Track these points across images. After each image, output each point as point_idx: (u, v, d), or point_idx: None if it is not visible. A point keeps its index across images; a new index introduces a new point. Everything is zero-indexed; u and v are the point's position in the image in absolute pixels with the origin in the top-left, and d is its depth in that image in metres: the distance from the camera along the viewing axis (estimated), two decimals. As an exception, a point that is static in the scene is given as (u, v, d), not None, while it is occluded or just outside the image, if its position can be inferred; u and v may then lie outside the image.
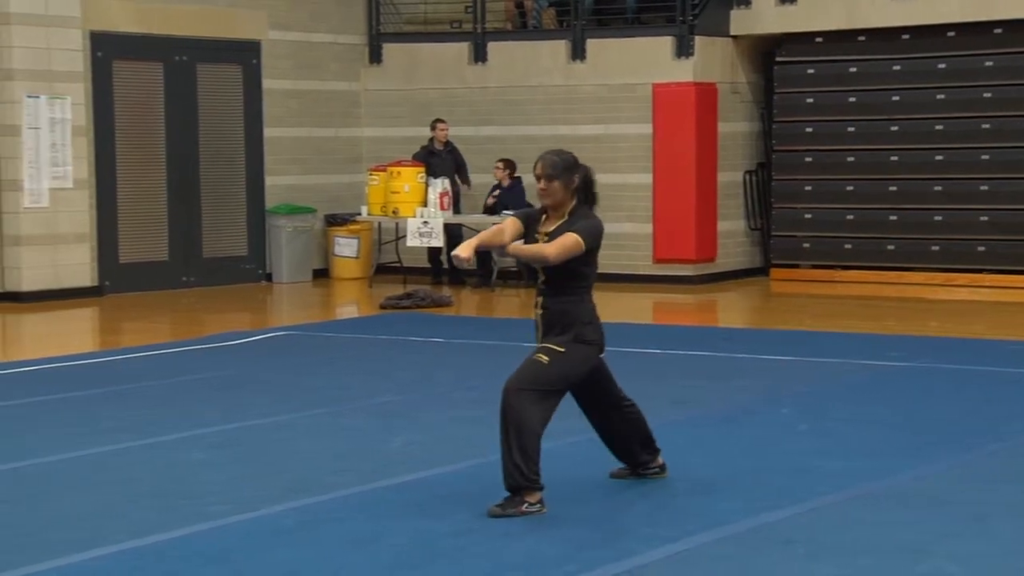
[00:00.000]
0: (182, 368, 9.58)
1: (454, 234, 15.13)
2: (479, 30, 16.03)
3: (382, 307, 13.20)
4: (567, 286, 5.76)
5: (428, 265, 15.44)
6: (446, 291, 14.43)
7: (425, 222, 14.54)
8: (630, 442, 6.07)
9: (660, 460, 6.16)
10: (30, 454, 6.76)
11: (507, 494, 5.58)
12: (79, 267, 13.87)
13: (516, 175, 14.97)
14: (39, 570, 4.89)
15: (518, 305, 13.86)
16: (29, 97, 13.38)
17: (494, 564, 4.97)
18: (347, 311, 14.04)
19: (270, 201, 15.62)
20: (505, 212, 14.71)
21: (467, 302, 14.01)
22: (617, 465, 6.17)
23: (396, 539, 5.26)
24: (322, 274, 15.92)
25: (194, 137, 15.01)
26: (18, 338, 12.21)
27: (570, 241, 5.64)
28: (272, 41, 15.59)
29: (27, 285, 13.40)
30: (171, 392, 8.60)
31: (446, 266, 15.33)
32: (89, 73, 13.98)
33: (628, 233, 15.13)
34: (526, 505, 5.54)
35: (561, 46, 15.58)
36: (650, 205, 15.11)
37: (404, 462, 6.55)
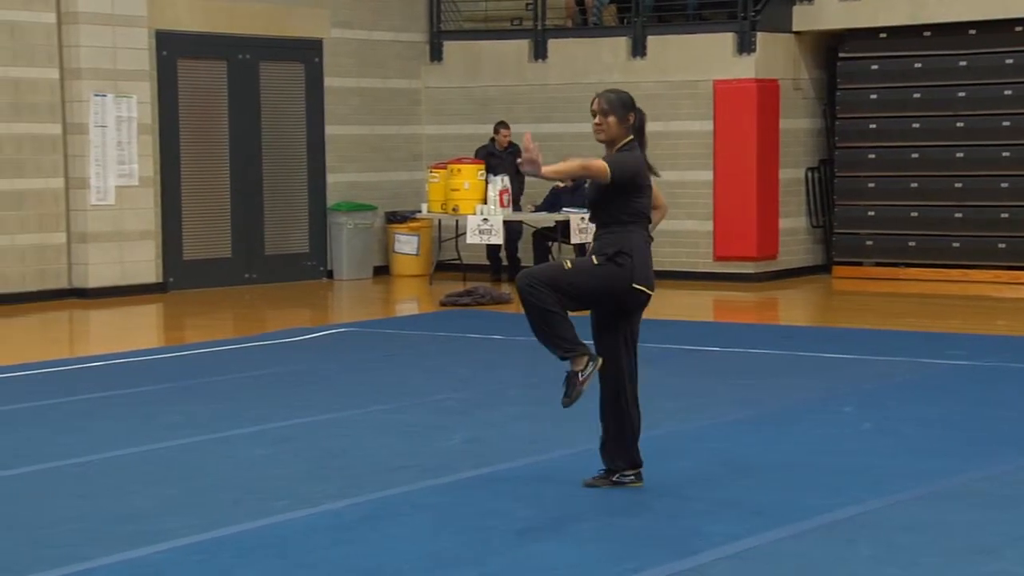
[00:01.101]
0: (244, 364, 9.66)
1: (514, 231, 15.14)
2: (539, 27, 16.02)
3: (442, 304, 13.24)
4: (611, 219, 5.80)
5: (488, 262, 15.46)
6: (506, 288, 14.43)
7: (485, 219, 14.55)
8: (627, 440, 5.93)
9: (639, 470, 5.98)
10: (97, 449, 6.85)
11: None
12: (144, 264, 14.04)
13: (577, 173, 14.92)
14: (106, 563, 4.95)
15: (578, 302, 13.83)
16: (96, 96, 13.55)
17: (554, 561, 4.96)
18: (407, 308, 14.09)
19: (331, 199, 15.72)
20: (565, 209, 14.70)
21: (527, 299, 13.99)
22: (593, 473, 6.01)
23: (455, 535, 5.27)
24: (382, 271, 15.99)
25: (257, 135, 15.13)
26: (85, 334, 12.38)
27: (595, 163, 5.71)
28: (334, 39, 15.68)
29: (93, 281, 13.58)
30: (234, 388, 8.67)
31: (506, 263, 15.34)
32: (154, 72, 14.14)
33: (688, 231, 15.07)
34: (580, 376, 5.70)
35: (621, 43, 15.54)
36: (711, 202, 15.03)
37: (464, 459, 6.56)
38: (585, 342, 5.84)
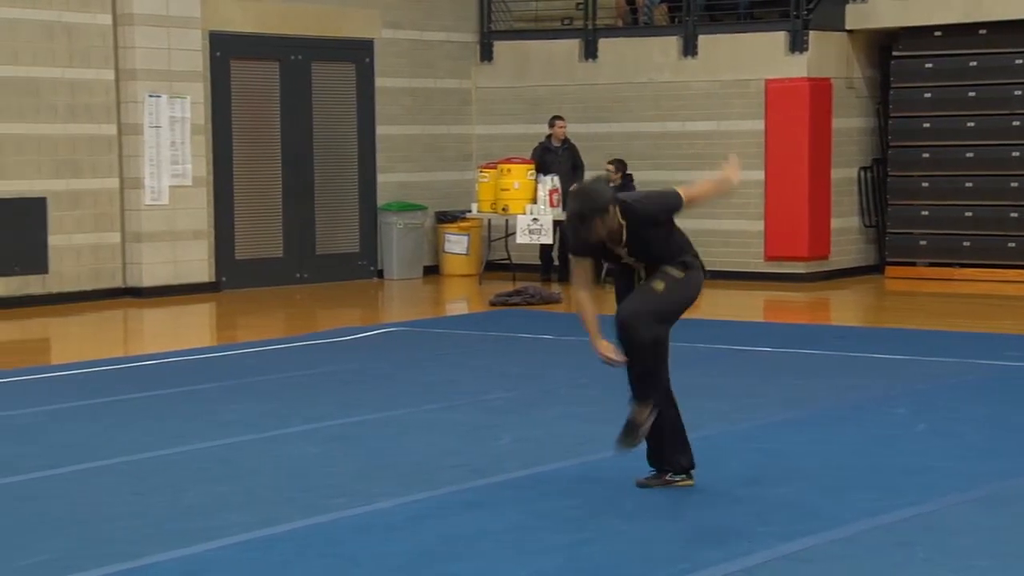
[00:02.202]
0: (296, 364, 9.72)
1: (564, 230, 15.13)
2: (590, 27, 16.01)
3: (492, 304, 13.26)
4: (662, 246, 5.86)
5: (538, 262, 15.46)
6: (555, 288, 14.42)
7: (535, 219, 14.56)
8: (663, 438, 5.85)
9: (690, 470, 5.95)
10: (151, 447, 6.92)
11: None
12: (197, 263, 14.16)
13: (627, 173, 14.93)
14: (161, 560, 5.00)
15: (628, 302, 13.80)
16: (150, 96, 13.69)
17: (604, 561, 4.96)
18: (457, 308, 14.12)
19: (382, 198, 15.79)
20: (615, 209, 14.65)
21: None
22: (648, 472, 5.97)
23: (506, 534, 5.28)
24: (432, 271, 16.03)
25: (308, 135, 15.22)
26: (139, 332, 12.51)
27: (682, 190, 5.95)
28: (385, 40, 15.74)
29: (148, 280, 13.72)
30: (286, 387, 8.73)
31: (556, 263, 15.34)
32: (208, 72, 14.26)
33: (739, 230, 15.00)
34: (642, 427, 5.72)
35: (672, 42, 15.49)
36: (762, 202, 14.95)
37: (513, 458, 6.57)
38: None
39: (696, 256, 5.90)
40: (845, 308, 13.87)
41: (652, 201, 5.86)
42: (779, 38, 14.90)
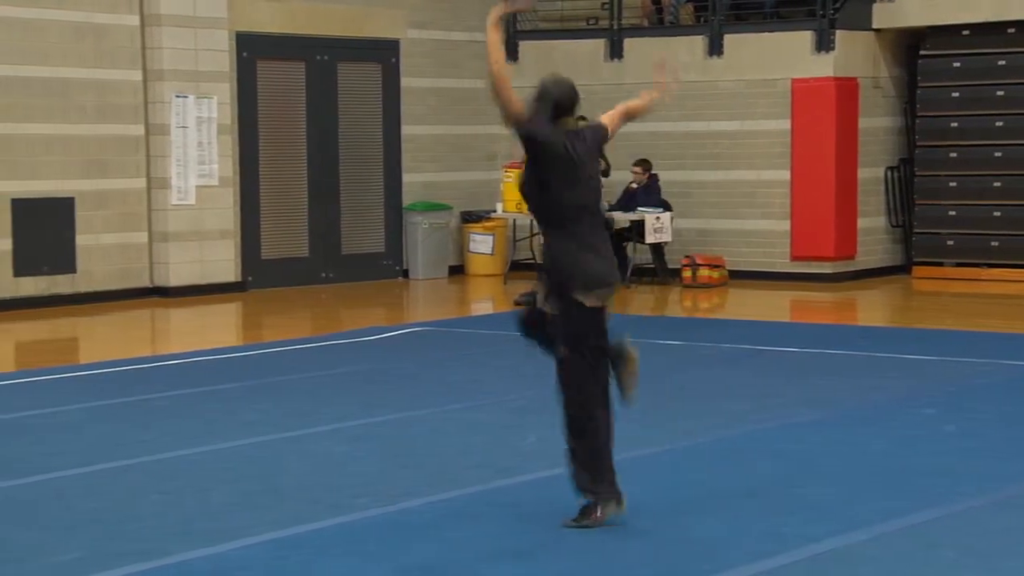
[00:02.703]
0: (321, 363, 9.73)
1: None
2: (615, 27, 15.98)
3: (516, 304, 13.23)
4: (539, 219, 5.35)
5: (563, 262, 15.42)
6: (581, 288, 14.40)
7: (560, 219, 14.51)
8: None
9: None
10: (177, 446, 6.94)
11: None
12: (223, 263, 14.20)
13: (653, 173, 14.91)
14: (186, 559, 5.01)
15: (653, 301, 13.79)
16: (177, 97, 13.74)
17: (630, 561, 4.94)
18: (482, 307, 14.12)
19: (407, 198, 15.80)
20: (640, 209, 14.65)
21: (602, 299, 13.94)
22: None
23: (530, 535, 5.26)
24: (458, 271, 16.04)
25: (334, 135, 15.25)
26: (166, 332, 12.55)
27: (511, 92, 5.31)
28: (411, 40, 15.75)
29: (175, 280, 13.77)
30: (311, 386, 8.74)
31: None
32: (234, 73, 14.30)
33: (764, 230, 14.94)
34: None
35: (698, 42, 15.44)
36: (787, 202, 14.88)
37: (538, 458, 6.55)
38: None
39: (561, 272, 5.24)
40: (872, 308, 13.80)
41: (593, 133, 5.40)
42: (805, 37, 14.84)
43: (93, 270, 13.34)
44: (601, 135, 5.48)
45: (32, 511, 5.74)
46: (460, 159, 16.29)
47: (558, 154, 5.22)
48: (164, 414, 7.82)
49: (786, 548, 5.05)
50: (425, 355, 10.11)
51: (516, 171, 15.04)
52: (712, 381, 8.84)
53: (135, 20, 13.56)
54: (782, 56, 14.90)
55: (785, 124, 14.86)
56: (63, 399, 8.29)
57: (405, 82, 15.73)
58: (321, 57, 15.08)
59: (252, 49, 14.48)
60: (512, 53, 16.55)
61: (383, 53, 15.59)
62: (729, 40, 15.27)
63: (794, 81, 14.77)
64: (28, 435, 7.29)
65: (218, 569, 4.90)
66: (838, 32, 14.73)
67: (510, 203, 15.04)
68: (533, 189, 5.26)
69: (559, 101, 5.36)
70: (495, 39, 5.28)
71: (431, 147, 16.06)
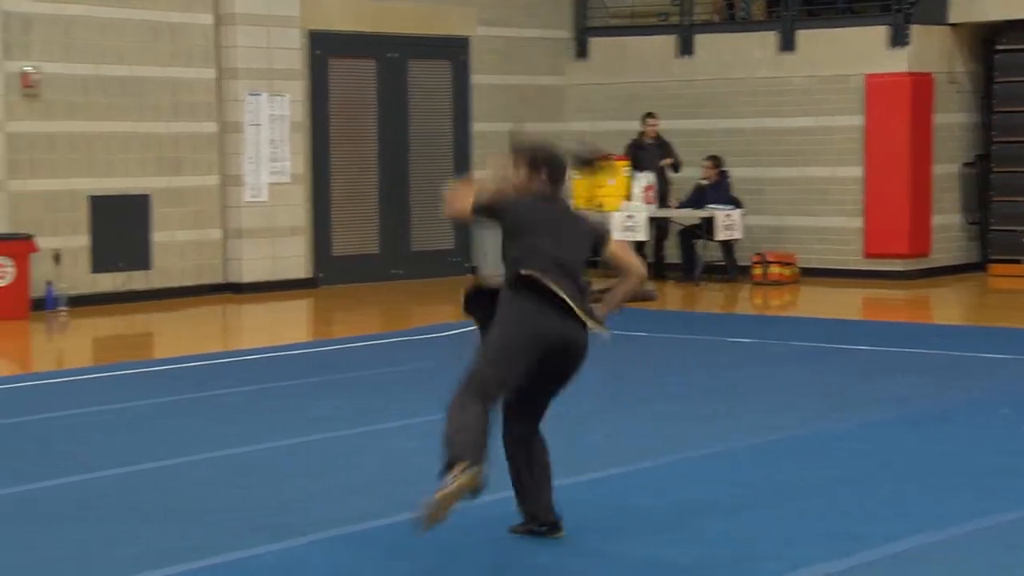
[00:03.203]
0: (392, 359, 9.76)
1: (659, 228, 15.03)
2: (686, 23, 15.87)
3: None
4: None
5: (633, 259, 15.33)
6: (650, 285, 14.28)
7: (630, 216, 14.46)
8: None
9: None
10: (248, 441, 6.98)
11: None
12: (295, 259, 14.30)
13: (723, 170, 14.79)
14: (257, 553, 5.03)
15: (722, 299, 13.67)
16: (251, 95, 13.85)
17: (702, 557, 4.89)
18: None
19: (477, 195, 15.77)
20: (710, 206, 14.53)
21: (671, 296, 13.88)
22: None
23: (595, 532, 5.23)
24: (527, 267, 15.98)
25: (404, 132, 15.29)
26: (238, 328, 12.66)
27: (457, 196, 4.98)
28: (480, 37, 15.76)
29: (247, 276, 13.88)
30: (382, 382, 8.76)
31: (651, 260, 15.22)
32: (307, 71, 14.39)
33: (837, 227, 14.75)
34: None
35: (770, 37, 15.29)
36: (860, 199, 14.69)
37: (605, 456, 6.52)
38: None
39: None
40: (946, 306, 13.58)
41: None
42: (879, 32, 14.63)
43: (168, 266, 13.49)
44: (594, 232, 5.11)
45: (103, 506, 5.79)
46: (530, 156, 16.23)
47: (520, 207, 5.00)
48: (236, 410, 7.88)
49: (859, 548, 4.96)
50: (494, 351, 10.08)
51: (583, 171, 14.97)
52: (783, 379, 8.74)
53: (210, 19, 13.69)
54: (856, 51, 14.71)
55: (859, 120, 14.66)
56: (137, 394, 8.38)
57: (475, 79, 15.74)
58: (392, 55, 15.13)
59: (324, 47, 14.56)
60: (582, 50, 16.49)
61: (453, 50, 15.60)
62: (802, 35, 15.09)
63: (868, 77, 14.57)
64: (102, 430, 7.38)
65: (286, 565, 4.91)
66: (913, 27, 14.51)
67: (580, 200, 14.97)
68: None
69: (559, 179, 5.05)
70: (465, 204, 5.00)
71: (500, 144, 15.98)
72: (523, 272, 4.83)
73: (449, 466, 4.69)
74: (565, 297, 4.84)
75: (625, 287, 5.08)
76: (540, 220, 4.96)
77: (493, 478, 4.85)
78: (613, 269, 5.05)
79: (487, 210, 4.98)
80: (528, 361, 4.88)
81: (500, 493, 5.17)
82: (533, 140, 5.20)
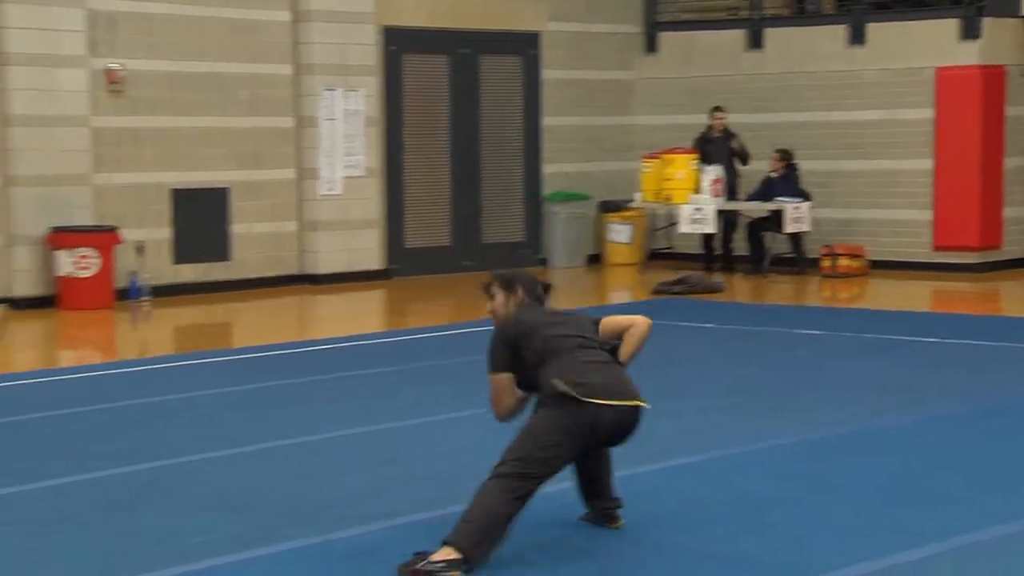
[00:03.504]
0: (463, 349, 9.81)
1: (728, 220, 14.96)
2: (756, 16, 15.76)
3: (655, 292, 13.19)
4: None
5: (700, 251, 15.31)
6: (718, 277, 14.28)
7: (698, 209, 14.42)
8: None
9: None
10: (323, 429, 7.06)
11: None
12: (369, 251, 14.43)
13: (792, 163, 14.68)
14: (330, 539, 5.10)
15: (790, 291, 13.58)
16: (326, 90, 13.99)
17: (763, 549, 4.89)
18: (620, 296, 14.08)
19: (547, 188, 15.83)
20: (779, 199, 14.44)
21: (739, 288, 13.82)
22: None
23: (671, 520, 5.24)
24: (596, 259, 16.02)
25: (475, 127, 15.36)
26: (315, 318, 12.80)
27: (491, 391, 5.07)
28: (551, 32, 15.77)
29: (323, 268, 14.03)
30: (455, 371, 8.83)
31: (718, 252, 15.18)
32: (381, 67, 14.50)
33: (906, 220, 14.59)
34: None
35: (840, 31, 15.14)
36: (930, 191, 14.52)
37: (676, 446, 6.52)
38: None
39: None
40: (1017, 299, 13.37)
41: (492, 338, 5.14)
42: (951, 25, 14.44)
43: (246, 258, 13.68)
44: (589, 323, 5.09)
45: (179, 492, 5.90)
46: (599, 149, 16.26)
47: (523, 324, 5.08)
48: (312, 398, 7.98)
49: (925, 541, 4.93)
50: (564, 342, 10.10)
51: (654, 162, 14.97)
52: (851, 371, 8.68)
53: (287, 16, 13.84)
54: (927, 44, 14.53)
55: (929, 113, 14.49)
56: (216, 382, 8.51)
57: (545, 74, 15.76)
58: (464, 50, 15.19)
59: (398, 43, 14.66)
60: (652, 45, 16.44)
61: (523, 46, 15.64)
62: (872, 29, 14.94)
63: (939, 70, 14.39)
64: (183, 417, 7.51)
65: (362, 550, 4.97)
66: (985, 19, 14.29)
67: (648, 193, 14.96)
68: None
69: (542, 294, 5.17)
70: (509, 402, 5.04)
71: (570, 138, 16.06)
72: (562, 390, 4.75)
73: (447, 544, 4.58)
74: (615, 403, 4.78)
75: (636, 336, 5.06)
76: (543, 316, 5.05)
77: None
78: (618, 336, 5.06)
79: (510, 348, 4.98)
80: (583, 447, 4.85)
81: (566, 483, 5.20)
82: (498, 272, 5.31)
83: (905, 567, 4.69)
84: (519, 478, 4.67)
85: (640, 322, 5.09)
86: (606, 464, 5.17)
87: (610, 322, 5.08)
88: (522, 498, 4.69)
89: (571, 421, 4.74)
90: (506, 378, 5.01)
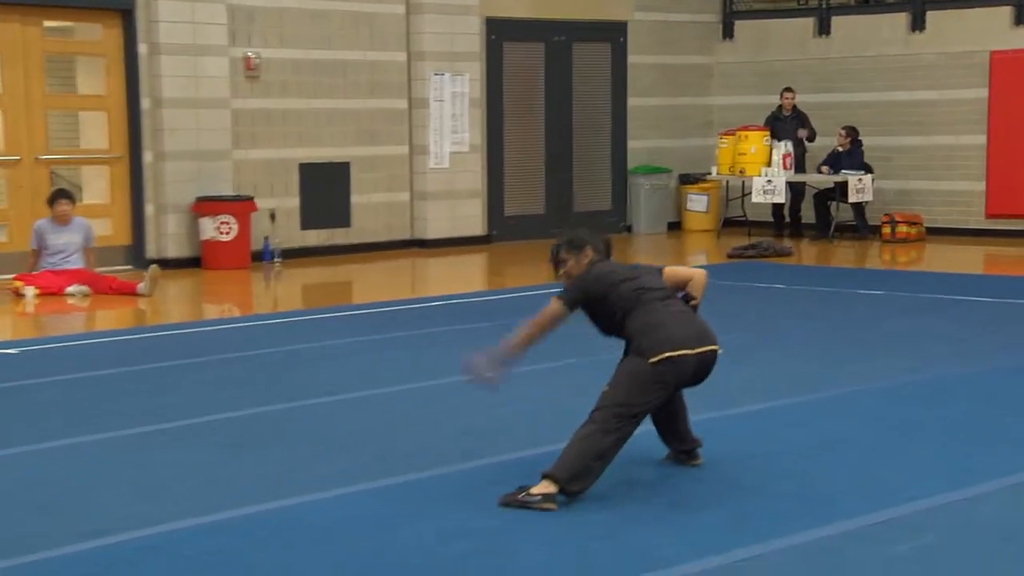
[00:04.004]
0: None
1: (796, 191, 14.73)
2: (824, 5, 15.41)
3: (729, 256, 13.03)
4: (622, 336, 4.79)
5: (771, 219, 15.08)
6: (787, 242, 14.06)
7: (769, 180, 14.20)
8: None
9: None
10: (436, 375, 7.06)
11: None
12: (472, 219, 14.44)
13: (857, 139, 14.38)
14: (435, 474, 5.11)
15: (854, 255, 13.32)
16: (435, 75, 13.99)
17: (836, 488, 4.80)
18: (698, 259, 13.92)
19: (632, 162, 15.70)
20: (844, 171, 14.15)
21: (807, 252, 13.59)
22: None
23: (746, 463, 5.18)
24: (675, 227, 15.87)
25: (568, 107, 15.26)
26: (425, 278, 12.87)
27: (544, 312, 4.83)
28: (637, 21, 15.59)
29: (431, 233, 14.09)
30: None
31: (787, 220, 14.94)
32: (484, 53, 14.46)
33: (960, 190, 14.21)
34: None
35: (901, 18, 14.74)
36: (983, 164, 14.11)
37: (747, 394, 6.44)
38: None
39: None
40: (1064, 263, 12.96)
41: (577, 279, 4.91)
42: (1005, 12, 13.98)
43: (364, 225, 13.78)
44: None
45: (310, 428, 5.97)
46: (679, 127, 16.08)
47: (605, 276, 4.89)
48: (425, 348, 8.01)
49: (985, 479, 4.80)
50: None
51: (729, 138, 14.75)
52: (911, 327, 8.50)
53: (401, 9, 13.85)
54: (982, 30, 14.08)
55: (983, 93, 14.06)
56: (339, 333, 8.59)
57: (631, 59, 15.59)
58: (558, 38, 15.08)
59: (499, 32, 14.60)
60: (729, 32, 16.18)
61: (612, 33, 15.48)
62: (931, 16, 14.51)
63: (993, 53, 13.95)
64: (310, 364, 7.59)
65: (472, 482, 4.99)
66: (1038, 5, 13.81)
67: (724, 166, 14.77)
68: (598, 319, 4.86)
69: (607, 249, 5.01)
70: (518, 340, 4.93)
71: (653, 117, 15.89)
72: (655, 360, 4.64)
73: (545, 476, 4.52)
74: (700, 350, 4.73)
75: (700, 285, 5.02)
76: (622, 271, 4.94)
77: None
78: (678, 286, 5.00)
79: (583, 296, 4.81)
80: (673, 390, 4.80)
81: (651, 426, 5.15)
82: (562, 237, 5.10)
83: (965, 503, 4.57)
84: (616, 418, 4.63)
85: (699, 274, 5.02)
86: (682, 409, 5.10)
87: (672, 273, 5.00)
88: (618, 438, 4.65)
89: (664, 368, 4.70)
90: (563, 314, 4.83)
